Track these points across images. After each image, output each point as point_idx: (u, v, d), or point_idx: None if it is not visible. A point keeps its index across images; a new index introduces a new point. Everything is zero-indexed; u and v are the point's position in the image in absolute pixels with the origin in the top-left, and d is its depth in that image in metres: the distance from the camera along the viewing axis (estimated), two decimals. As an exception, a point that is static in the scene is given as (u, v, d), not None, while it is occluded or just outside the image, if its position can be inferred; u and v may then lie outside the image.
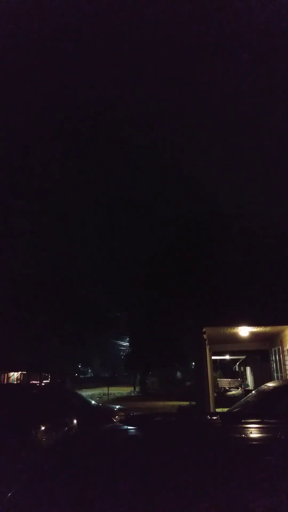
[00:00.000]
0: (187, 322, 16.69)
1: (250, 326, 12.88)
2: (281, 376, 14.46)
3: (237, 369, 32.30)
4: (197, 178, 19.86)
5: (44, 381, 29.14)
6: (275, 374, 16.05)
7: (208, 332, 13.01)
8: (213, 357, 19.87)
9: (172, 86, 15.21)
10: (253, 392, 6.65)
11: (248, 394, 7.38)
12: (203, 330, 12.58)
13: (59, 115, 15.90)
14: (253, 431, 2.10)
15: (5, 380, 27.57)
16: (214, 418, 2.99)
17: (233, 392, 26.97)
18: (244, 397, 7.46)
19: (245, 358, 27.13)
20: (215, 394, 18.59)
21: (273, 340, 15.88)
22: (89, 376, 54.66)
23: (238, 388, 27.66)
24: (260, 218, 17.19)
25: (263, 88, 13.66)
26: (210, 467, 1.53)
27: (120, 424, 2.93)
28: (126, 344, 44.98)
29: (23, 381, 29.52)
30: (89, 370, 57.63)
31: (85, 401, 10.46)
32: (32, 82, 13.73)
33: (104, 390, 30.34)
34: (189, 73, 13.79)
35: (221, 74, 13.40)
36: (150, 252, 22.38)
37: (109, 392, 28.99)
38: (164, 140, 18.66)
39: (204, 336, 13.00)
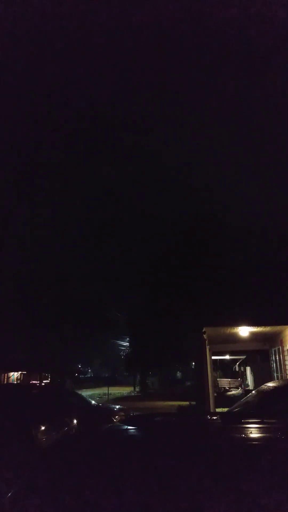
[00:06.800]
0: (187, 322, 16.70)
1: (250, 326, 12.87)
2: (281, 376, 14.46)
3: (237, 369, 32.27)
4: (196, 179, 19.89)
5: (44, 381, 29.13)
6: (275, 374, 16.04)
7: (208, 332, 13.01)
8: (213, 357, 19.85)
9: (172, 88, 15.24)
10: (253, 392, 6.64)
11: (248, 394, 7.37)
12: (203, 330, 12.58)
13: (60, 115, 15.94)
14: (253, 431, 2.10)
15: (5, 380, 27.55)
16: (214, 418, 2.99)
17: (233, 392, 26.98)
18: (244, 397, 7.46)
19: (245, 358, 27.10)
20: (215, 394, 18.57)
21: (273, 340, 15.87)
22: (89, 376, 54.65)
23: (238, 388, 27.65)
24: (260, 218, 17.20)
25: (263, 88, 13.69)
26: (210, 467, 1.53)
27: (120, 424, 2.93)
28: (126, 344, 44.97)
29: (23, 381, 29.50)
30: (89, 370, 57.64)
31: (85, 401, 10.47)
32: (31, 86, 13.76)
33: (104, 390, 30.33)
34: (189, 74, 13.83)
35: (221, 75, 13.44)
36: (150, 252, 22.41)
37: (109, 392, 28.97)
38: (165, 141, 18.69)
39: (204, 336, 13.00)
